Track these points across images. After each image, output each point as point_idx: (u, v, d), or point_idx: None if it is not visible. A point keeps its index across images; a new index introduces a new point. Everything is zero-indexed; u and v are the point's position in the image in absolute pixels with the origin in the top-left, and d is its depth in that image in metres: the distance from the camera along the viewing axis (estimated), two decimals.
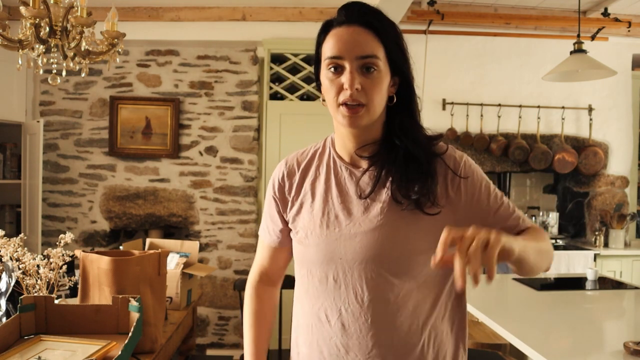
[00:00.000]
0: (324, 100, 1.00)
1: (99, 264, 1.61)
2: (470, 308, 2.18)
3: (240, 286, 2.74)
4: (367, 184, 0.99)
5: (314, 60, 1.02)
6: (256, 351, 1.17)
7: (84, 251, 1.65)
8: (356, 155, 1.02)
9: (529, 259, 0.89)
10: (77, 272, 1.87)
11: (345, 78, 0.92)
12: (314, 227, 1.02)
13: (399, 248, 0.94)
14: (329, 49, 0.95)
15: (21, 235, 1.80)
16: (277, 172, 1.13)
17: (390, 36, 0.95)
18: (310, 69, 3.56)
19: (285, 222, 1.11)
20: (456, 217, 0.96)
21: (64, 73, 2.17)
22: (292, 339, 1.11)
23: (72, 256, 1.75)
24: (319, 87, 1.02)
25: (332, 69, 0.94)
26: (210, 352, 3.78)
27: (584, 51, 2.84)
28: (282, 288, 2.98)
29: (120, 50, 2.23)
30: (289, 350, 2.98)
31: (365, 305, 0.96)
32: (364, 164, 1.01)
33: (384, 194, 0.97)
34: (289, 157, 1.13)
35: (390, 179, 0.97)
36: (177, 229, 3.93)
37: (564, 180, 4.20)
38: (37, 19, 1.91)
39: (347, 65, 0.92)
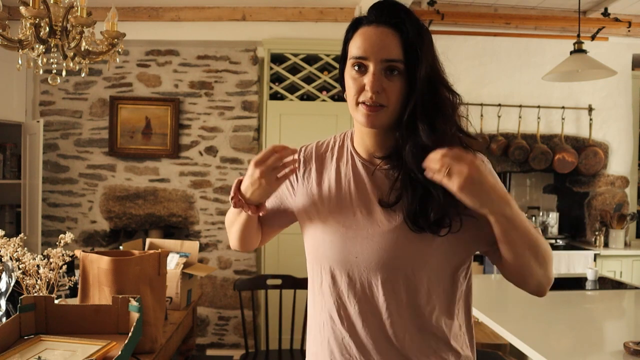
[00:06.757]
0: (346, 96, 0.99)
1: (99, 264, 1.61)
2: None
3: (240, 286, 2.74)
4: (384, 183, 0.98)
5: (340, 56, 1.00)
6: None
7: (84, 251, 1.65)
8: (374, 155, 1.01)
9: (519, 231, 0.88)
10: (77, 272, 1.87)
11: (367, 79, 0.91)
12: (330, 223, 1.00)
13: (417, 249, 0.94)
14: (355, 47, 0.94)
15: (21, 235, 1.80)
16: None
17: (414, 43, 0.91)
18: (310, 68, 3.56)
19: (283, 211, 1.11)
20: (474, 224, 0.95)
21: (64, 73, 2.16)
22: (307, 336, 1.10)
23: (72, 256, 1.75)
24: (341, 84, 1.01)
25: (356, 68, 0.94)
26: (210, 352, 3.79)
27: (584, 51, 2.84)
28: (282, 288, 2.96)
29: (120, 50, 2.23)
30: (289, 350, 2.98)
31: (380, 304, 0.95)
32: (382, 163, 0.99)
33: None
34: (307, 145, 1.11)
35: (404, 193, 0.94)
36: (177, 229, 3.93)
37: (564, 180, 4.20)
38: (37, 19, 1.90)
39: (371, 67, 0.92)
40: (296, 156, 0.95)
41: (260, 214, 1.03)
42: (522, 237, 0.88)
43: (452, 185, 0.82)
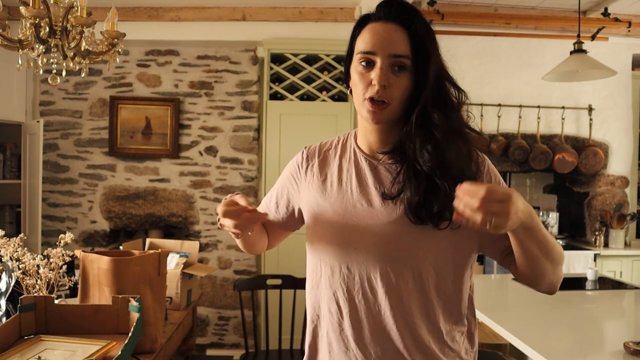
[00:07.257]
0: (351, 93, 1.00)
1: (99, 264, 1.61)
2: None
3: (240, 286, 2.74)
4: (386, 177, 0.99)
5: (346, 52, 1.01)
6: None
7: (84, 251, 1.65)
8: (377, 151, 1.02)
9: (537, 240, 0.87)
10: (77, 272, 1.87)
11: (374, 74, 0.93)
12: (330, 216, 1.01)
13: (417, 242, 0.94)
14: (363, 42, 0.95)
15: (21, 235, 1.80)
16: (297, 156, 1.14)
17: (424, 41, 0.93)
18: (310, 68, 3.56)
19: (291, 211, 1.14)
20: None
21: (64, 73, 2.16)
22: (307, 330, 1.10)
23: (72, 256, 1.75)
24: (346, 81, 1.02)
25: (364, 64, 0.95)
26: (210, 352, 3.79)
27: (584, 51, 2.84)
28: (282, 288, 2.96)
29: (120, 50, 2.23)
30: (289, 350, 2.97)
31: (378, 298, 0.95)
32: (385, 158, 1.01)
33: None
34: (311, 145, 1.14)
35: (407, 185, 0.94)
36: (177, 229, 3.93)
37: (564, 180, 4.19)
38: (37, 19, 1.90)
39: (378, 61, 0.93)
40: (253, 207, 0.96)
41: (249, 233, 1.06)
42: (539, 245, 0.88)
43: (494, 229, 0.77)
